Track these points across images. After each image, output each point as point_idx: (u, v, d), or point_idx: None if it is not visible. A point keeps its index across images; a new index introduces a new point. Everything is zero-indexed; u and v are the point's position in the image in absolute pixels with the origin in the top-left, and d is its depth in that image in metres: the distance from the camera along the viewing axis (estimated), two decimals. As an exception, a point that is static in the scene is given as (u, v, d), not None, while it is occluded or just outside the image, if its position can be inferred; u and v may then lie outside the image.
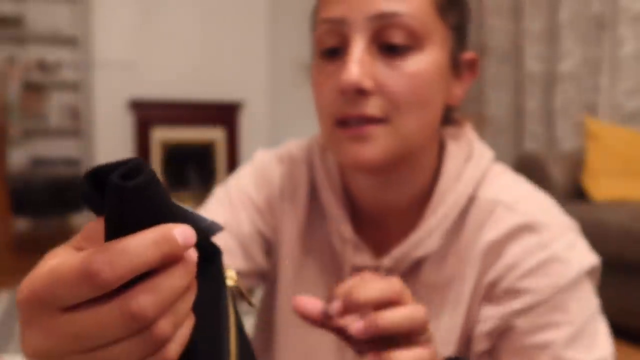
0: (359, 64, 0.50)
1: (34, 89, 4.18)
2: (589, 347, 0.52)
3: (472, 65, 0.58)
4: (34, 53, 4.22)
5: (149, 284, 0.26)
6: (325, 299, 0.61)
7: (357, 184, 0.59)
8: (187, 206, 0.31)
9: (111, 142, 4.16)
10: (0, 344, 1.86)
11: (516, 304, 0.53)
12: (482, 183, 0.58)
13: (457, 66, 0.56)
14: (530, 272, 0.53)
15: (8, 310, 2.21)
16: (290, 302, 0.63)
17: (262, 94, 4.51)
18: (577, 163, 2.30)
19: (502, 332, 0.54)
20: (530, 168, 2.27)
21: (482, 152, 0.60)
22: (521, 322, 0.52)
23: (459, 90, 0.57)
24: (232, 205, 0.65)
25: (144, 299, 0.25)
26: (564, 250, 0.53)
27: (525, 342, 0.52)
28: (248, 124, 4.55)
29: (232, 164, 4.53)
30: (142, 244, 0.25)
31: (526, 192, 0.58)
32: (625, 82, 2.69)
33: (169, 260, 0.26)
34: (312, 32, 0.57)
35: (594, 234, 2.01)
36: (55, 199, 4.05)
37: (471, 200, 0.57)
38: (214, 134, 4.46)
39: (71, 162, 4.31)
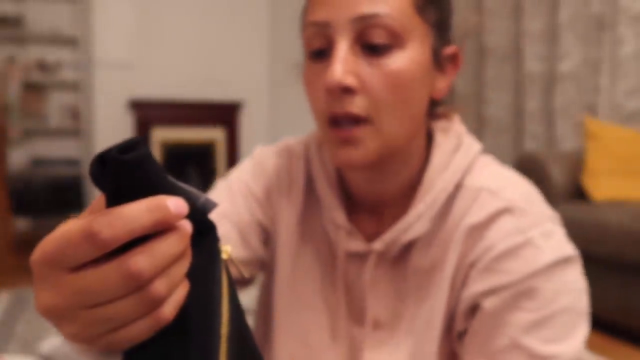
0: (342, 63, 0.52)
1: (34, 89, 4.18)
2: (549, 340, 0.52)
3: (455, 58, 0.61)
4: (34, 53, 4.22)
5: (146, 247, 0.29)
6: (320, 284, 0.64)
7: (351, 177, 0.62)
8: (183, 184, 0.35)
9: (111, 142, 4.12)
10: (0, 344, 1.85)
11: (486, 283, 0.54)
12: (470, 172, 0.60)
13: (440, 61, 0.58)
14: (504, 254, 0.54)
15: (8, 310, 2.21)
16: (287, 289, 0.66)
17: (262, 94, 4.52)
18: (577, 163, 2.30)
19: (471, 312, 0.56)
20: (530, 168, 2.26)
21: (470, 144, 0.62)
22: (488, 303, 0.54)
23: (442, 84, 0.60)
24: (231, 195, 0.67)
25: (141, 260, 0.29)
26: (540, 238, 0.54)
27: (488, 322, 0.54)
28: (248, 124, 4.56)
29: (232, 164, 4.53)
30: (137, 210, 0.29)
31: (511, 181, 0.60)
32: (625, 82, 2.69)
33: (163, 227, 0.30)
34: (301, 33, 0.60)
35: (594, 234, 2.01)
36: (55, 199, 4.05)
37: (458, 187, 0.59)
38: (214, 134, 4.47)
39: (71, 162, 4.31)
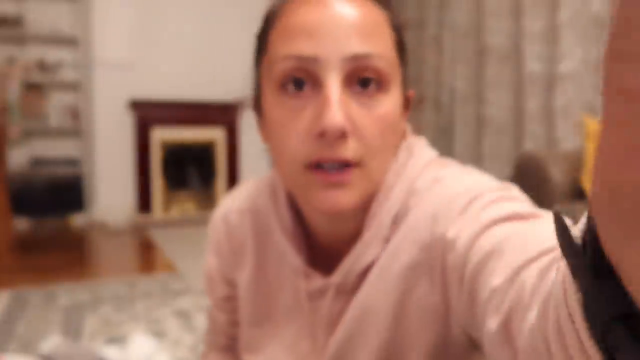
0: (340, 106, 0.48)
1: (34, 89, 4.19)
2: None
3: (409, 102, 0.59)
4: (34, 53, 4.22)
5: None
6: (285, 320, 0.64)
7: (314, 220, 0.60)
8: None
9: (111, 142, 4.16)
10: (0, 344, 1.86)
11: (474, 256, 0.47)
12: (413, 192, 0.56)
13: (404, 103, 0.57)
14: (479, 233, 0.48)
15: (8, 310, 2.21)
16: (250, 333, 0.68)
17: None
18: (577, 163, 2.30)
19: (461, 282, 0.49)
20: (530, 168, 2.26)
21: (419, 156, 0.58)
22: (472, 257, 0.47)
23: (403, 125, 0.58)
24: (208, 289, 0.74)
25: None
26: (493, 198, 0.49)
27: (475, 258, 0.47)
28: (248, 124, 4.56)
29: (232, 164, 4.53)
30: None
31: (456, 178, 0.55)
32: (625, 82, 2.69)
33: None
34: (260, 62, 0.55)
35: (594, 234, 2.00)
36: (55, 199, 4.05)
37: (404, 207, 0.56)
38: (214, 134, 4.47)
39: (71, 162, 4.32)
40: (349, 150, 0.50)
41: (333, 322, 0.59)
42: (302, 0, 0.52)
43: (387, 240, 0.56)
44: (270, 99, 0.53)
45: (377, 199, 0.56)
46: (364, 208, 0.57)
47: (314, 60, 0.49)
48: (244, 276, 0.68)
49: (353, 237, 0.59)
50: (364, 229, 0.57)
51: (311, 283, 0.60)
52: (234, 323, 0.74)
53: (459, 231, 0.48)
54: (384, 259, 0.56)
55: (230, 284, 0.71)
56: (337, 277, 0.58)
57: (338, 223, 0.58)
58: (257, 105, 0.58)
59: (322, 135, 0.49)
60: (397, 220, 0.56)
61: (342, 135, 0.49)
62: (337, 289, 0.58)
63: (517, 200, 0.49)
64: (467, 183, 0.53)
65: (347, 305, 0.58)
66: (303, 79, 0.50)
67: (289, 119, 0.51)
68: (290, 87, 0.51)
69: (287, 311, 0.64)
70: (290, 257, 0.62)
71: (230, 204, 0.70)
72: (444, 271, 0.51)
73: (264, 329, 0.66)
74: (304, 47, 0.50)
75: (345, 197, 0.51)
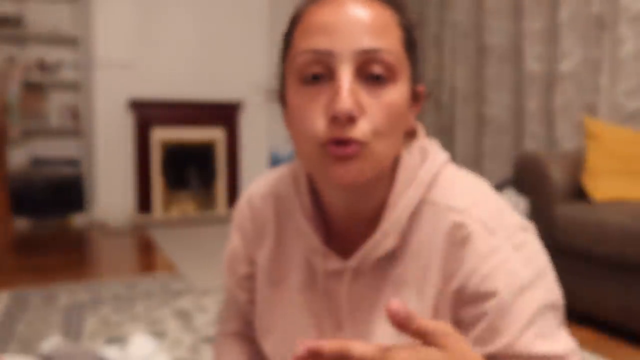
0: (351, 93, 0.56)
1: (34, 89, 4.19)
2: (541, 337, 0.56)
3: (420, 97, 0.66)
4: (34, 53, 4.22)
5: None
6: (304, 299, 0.69)
7: (331, 200, 0.66)
8: None
9: (111, 142, 4.16)
10: (0, 344, 1.86)
11: (475, 309, 0.58)
12: (434, 186, 0.64)
13: (413, 97, 0.64)
14: (485, 279, 0.58)
15: (8, 310, 2.21)
16: (267, 310, 0.74)
17: (262, 94, 4.53)
18: (577, 163, 2.30)
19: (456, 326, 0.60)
20: (530, 168, 2.26)
21: (435, 157, 0.66)
22: (479, 325, 0.58)
23: (412, 119, 0.65)
24: (231, 267, 0.80)
25: None
26: (513, 253, 0.59)
27: (481, 334, 0.58)
28: (248, 124, 4.56)
29: (232, 164, 4.53)
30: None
31: (477, 196, 0.64)
32: (625, 82, 2.69)
33: None
34: (285, 58, 0.63)
35: (594, 234, 2.01)
36: (55, 199, 4.05)
37: (423, 202, 0.64)
38: (214, 134, 4.47)
39: (71, 162, 4.32)
40: (358, 131, 0.56)
41: (352, 302, 0.66)
42: (321, 3, 0.59)
43: (405, 232, 0.64)
44: (292, 89, 0.60)
45: (394, 191, 0.63)
46: (379, 196, 0.64)
47: (330, 54, 0.57)
48: (263, 254, 0.75)
49: (369, 224, 0.66)
50: (381, 219, 0.64)
51: (328, 263, 0.66)
52: (254, 302, 0.80)
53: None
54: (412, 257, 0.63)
55: (252, 262, 0.78)
56: (353, 261, 0.64)
57: (352, 203, 0.64)
58: (282, 97, 0.66)
59: (334, 118, 0.56)
60: (415, 218, 0.64)
61: (351, 119, 0.56)
62: (354, 273, 0.65)
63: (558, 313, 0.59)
64: (518, 269, 0.59)
65: (371, 285, 0.66)
66: (320, 72, 0.58)
67: (307, 104, 0.58)
68: (309, 78, 0.58)
69: (301, 288, 0.71)
70: (308, 236, 0.67)
71: (255, 189, 0.78)
72: (456, 309, 0.61)
73: (277, 305, 0.73)
74: (321, 43, 0.57)
75: (352, 170, 0.57)
